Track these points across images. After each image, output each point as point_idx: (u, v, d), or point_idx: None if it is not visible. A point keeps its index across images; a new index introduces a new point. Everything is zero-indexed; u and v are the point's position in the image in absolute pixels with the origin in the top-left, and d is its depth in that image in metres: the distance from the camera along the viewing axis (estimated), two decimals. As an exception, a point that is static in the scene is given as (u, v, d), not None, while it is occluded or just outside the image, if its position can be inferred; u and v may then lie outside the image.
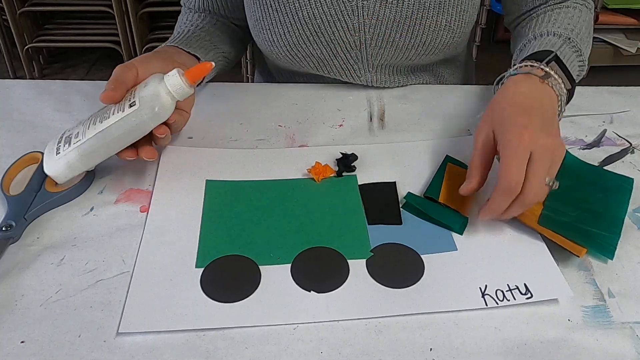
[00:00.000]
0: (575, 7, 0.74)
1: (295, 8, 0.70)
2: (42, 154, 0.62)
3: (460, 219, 0.55)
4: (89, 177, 0.61)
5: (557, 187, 0.52)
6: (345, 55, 0.75)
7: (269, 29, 0.73)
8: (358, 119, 0.73)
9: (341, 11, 0.70)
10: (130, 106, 0.55)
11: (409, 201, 0.58)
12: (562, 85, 0.60)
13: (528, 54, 0.64)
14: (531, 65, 0.61)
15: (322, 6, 0.70)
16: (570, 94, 0.64)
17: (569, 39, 0.67)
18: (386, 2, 0.70)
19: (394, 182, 0.62)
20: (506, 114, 0.54)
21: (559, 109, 0.60)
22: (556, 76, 0.60)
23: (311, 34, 0.72)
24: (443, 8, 0.71)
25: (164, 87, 0.56)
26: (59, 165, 0.57)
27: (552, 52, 0.62)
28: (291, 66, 0.78)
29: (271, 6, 0.72)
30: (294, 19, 0.71)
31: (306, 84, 0.81)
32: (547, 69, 0.60)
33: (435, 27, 0.71)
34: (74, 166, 0.57)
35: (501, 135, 0.53)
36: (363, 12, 0.70)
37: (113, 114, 0.56)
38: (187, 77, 0.56)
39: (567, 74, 0.62)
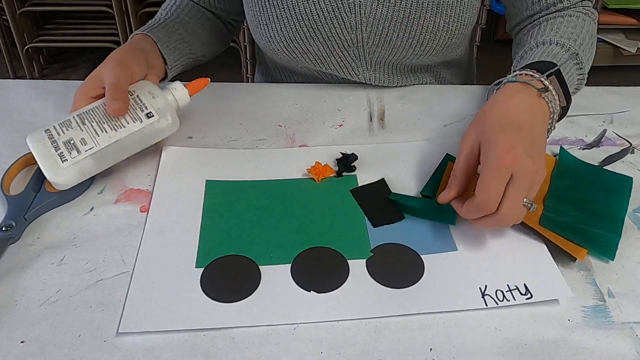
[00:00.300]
0: (579, 17, 0.72)
1: (292, 4, 0.71)
2: None
3: (452, 212, 0.55)
4: (89, 178, 0.61)
5: (534, 209, 0.52)
6: (342, 53, 0.75)
7: (267, 24, 0.74)
8: (358, 119, 0.73)
9: (338, 8, 0.70)
10: (148, 117, 0.60)
11: (395, 199, 0.58)
12: (558, 103, 0.59)
13: (530, 61, 0.62)
14: (531, 76, 0.58)
15: (320, 3, 0.70)
16: (564, 111, 0.62)
17: (573, 50, 0.65)
18: (384, 1, 0.70)
19: (383, 179, 0.62)
20: (494, 130, 0.53)
21: (550, 126, 0.58)
22: (554, 92, 0.58)
23: (308, 30, 0.72)
24: (441, 9, 0.70)
25: (172, 98, 0.63)
26: (70, 172, 0.57)
27: (555, 65, 0.60)
28: (289, 62, 0.78)
29: (269, 1, 0.72)
30: (291, 14, 0.71)
31: (306, 84, 0.81)
32: (547, 83, 0.58)
33: (433, 27, 0.71)
34: (88, 172, 0.59)
35: (485, 151, 0.52)
36: (360, 10, 0.70)
37: (128, 122, 0.59)
38: (189, 90, 0.65)
39: (565, 91, 0.60)
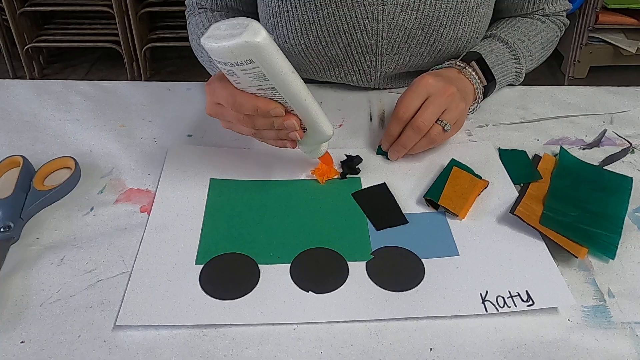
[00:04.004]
0: (548, 25, 0.80)
1: (315, 7, 0.70)
2: (23, 157, 0.62)
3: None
4: (77, 174, 0.61)
5: (448, 129, 0.62)
6: (359, 59, 0.75)
7: (286, 26, 0.73)
8: (358, 119, 0.73)
9: (361, 14, 0.70)
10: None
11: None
12: (478, 79, 0.70)
13: (462, 55, 0.73)
14: (450, 62, 0.71)
15: (343, 7, 0.70)
16: (488, 90, 0.72)
17: (514, 47, 0.75)
18: (406, 9, 0.70)
19: (384, 183, 0.62)
20: (419, 77, 0.65)
21: (475, 99, 0.70)
22: (472, 71, 0.69)
23: (329, 34, 0.72)
24: (461, 18, 0.71)
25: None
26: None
27: (479, 54, 0.71)
28: (302, 65, 0.78)
29: (290, 3, 0.71)
30: (313, 18, 0.71)
31: (306, 84, 0.81)
32: (463, 65, 0.69)
33: (452, 36, 0.72)
34: None
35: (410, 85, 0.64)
36: (383, 17, 0.70)
37: None
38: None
39: (485, 72, 0.71)
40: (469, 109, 0.70)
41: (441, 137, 0.63)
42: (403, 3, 0.69)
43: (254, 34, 0.47)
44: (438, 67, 0.72)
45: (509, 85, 0.79)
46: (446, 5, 0.70)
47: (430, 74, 0.64)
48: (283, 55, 0.50)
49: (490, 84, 0.71)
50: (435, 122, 0.62)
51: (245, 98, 0.54)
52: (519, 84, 0.80)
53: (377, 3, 0.69)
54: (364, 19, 0.71)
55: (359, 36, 0.72)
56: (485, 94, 0.72)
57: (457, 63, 0.70)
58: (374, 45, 0.73)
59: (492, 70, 0.71)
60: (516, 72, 0.76)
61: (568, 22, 0.84)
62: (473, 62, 0.70)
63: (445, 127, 0.62)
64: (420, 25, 0.71)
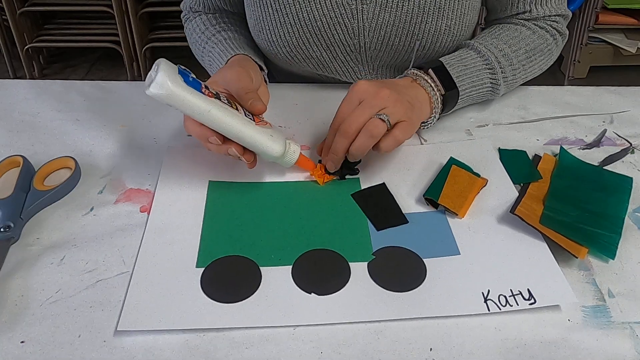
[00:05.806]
0: (531, 28, 0.75)
1: (296, 9, 0.71)
2: (23, 157, 0.62)
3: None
4: (77, 174, 0.61)
5: (388, 119, 0.57)
6: (345, 58, 0.75)
7: (270, 29, 0.74)
8: (358, 119, 0.73)
9: (341, 14, 0.70)
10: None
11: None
12: (434, 87, 0.66)
13: (421, 64, 0.69)
14: (410, 70, 0.68)
15: (323, 8, 0.70)
16: (448, 100, 0.67)
17: (488, 57, 0.70)
18: (385, 6, 0.70)
19: (383, 183, 0.62)
20: (354, 84, 0.61)
21: (434, 109, 0.65)
22: (427, 79, 0.65)
23: (311, 35, 0.72)
24: (443, 12, 0.71)
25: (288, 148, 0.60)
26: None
27: (439, 61, 0.68)
28: (291, 67, 0.78)
29: (272, 6, 0.72)
30: (294, 20, 0.71)
31: (306, 84, 0.81)
32: (420, 73, 0.66)
33: (435, 31, 0.72)
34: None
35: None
36: (363, 16, 0.71)
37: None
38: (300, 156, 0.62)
39: (444, 81, 0.66)
40: (430, 118, 0.66)
41: (382, 130, 0.56)
42: (382, 1, 0.69)
43: (158, 86, 0.51)
44: (399, 76, 0.69)
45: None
46: (425, 1, 0.69)
47: (367, 80, 0.60)
48: (197, 93, 0.53)
49: (451, 93, 0.67)
50: (374, 117, 0.57)
51: (192, 125, 0.56)
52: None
53: (357, 2, 0.69)
54: (344, 18, 0.71)
55: (340, 36, 0.72)
56: (446, 103, 0.68)
57: (413, 71, 0.67)
58: (357, 44, 0.73)
59: (454, 79, 0.67)
60: (492, 83, 0.71)
61: (564, 30, 0.78)
62: (430, 70, 0.66)
63: (384, 118, 0.56)
64: (400, 22, 0.71)
